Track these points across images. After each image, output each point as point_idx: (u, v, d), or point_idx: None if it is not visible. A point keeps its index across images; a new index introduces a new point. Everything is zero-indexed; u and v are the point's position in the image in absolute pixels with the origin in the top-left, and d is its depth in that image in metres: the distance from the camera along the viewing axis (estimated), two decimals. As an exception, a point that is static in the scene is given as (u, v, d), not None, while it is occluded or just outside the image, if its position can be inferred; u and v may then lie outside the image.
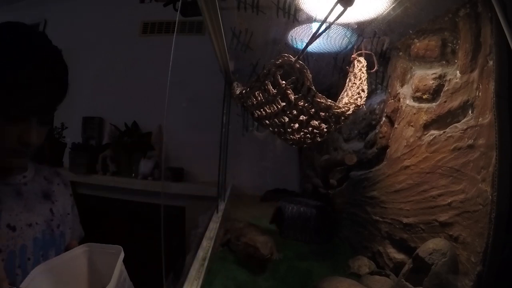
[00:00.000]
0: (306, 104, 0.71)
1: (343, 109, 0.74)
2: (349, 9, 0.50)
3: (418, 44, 0.94)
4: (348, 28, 0.96)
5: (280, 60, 0.68)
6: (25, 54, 0.52)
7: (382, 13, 0.86)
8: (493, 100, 0.66)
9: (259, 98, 0.81)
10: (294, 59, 0.66)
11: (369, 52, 0.95)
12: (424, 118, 0.90)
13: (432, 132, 0.87)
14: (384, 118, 1.13)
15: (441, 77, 0.85)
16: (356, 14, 0.87)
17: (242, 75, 1.28)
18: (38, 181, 0.66)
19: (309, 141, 0.79)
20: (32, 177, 0.65)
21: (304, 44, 0.68)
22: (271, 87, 0.74)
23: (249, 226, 1.19)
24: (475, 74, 0.72)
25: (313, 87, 0.68)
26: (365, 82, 0.88)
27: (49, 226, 0.64)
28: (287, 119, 0.76)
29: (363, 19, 0.90)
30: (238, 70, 1.32)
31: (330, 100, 0.72)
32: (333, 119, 0.75)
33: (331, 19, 0.53)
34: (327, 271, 1.04)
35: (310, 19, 0.88)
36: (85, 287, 0.63)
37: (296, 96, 0.70)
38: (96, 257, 0.64)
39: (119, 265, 0.57)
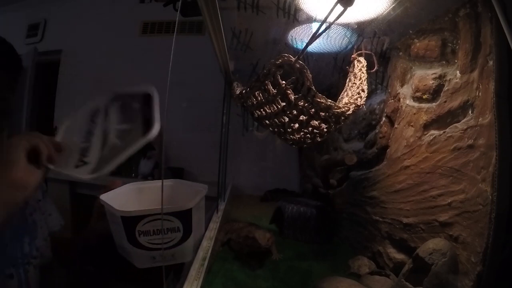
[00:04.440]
0: (306, 104, 0.71)
1: (343, 109, 0.74)
2: (349, 9, 0.50)
3: (418, 44, 0.94)
4: (348, 28, 0.96)
5: (280, 60, 0.67)
6: None
7: (382, 13, 0.86)
8: (493, 100, 0.66)
9: (259, 98, 0.81)
10: (294, 59, 0.66)
11: (369, 52, 0.95)
12: (424, 118, 0.90)
13: (432, 132, 0.87)
14: (384, 118, 1.13)
15: (441, 77, 0.85)
16: (356, 14, 0.87)
17: (242, 75, 1.28)
18: None
19: (309, 141, 0.79)
20: None
21: (304, 44, 0.68)
22: (271, 87, 0.73)
23: (250, 225, 1.19)
24: (475, 74, 0.72)
25: (313, 87, 0.68)
26: (365, 82, 0.88)
27: (22, 214, 0.67)
28: (287, 119, 0.76)
29: (363, 19, 0.90)
30: (238, 70, 1.32)
31: (330, 100, 0.72)
32: (333, 119, 0.75)
33: (331, 19, 0.53)
34: (327, 271, 1.04)
35: (310, 19, 0.88)
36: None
37: (296, 96, 0.70)
38: (179, 190, 0.80)
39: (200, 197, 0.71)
